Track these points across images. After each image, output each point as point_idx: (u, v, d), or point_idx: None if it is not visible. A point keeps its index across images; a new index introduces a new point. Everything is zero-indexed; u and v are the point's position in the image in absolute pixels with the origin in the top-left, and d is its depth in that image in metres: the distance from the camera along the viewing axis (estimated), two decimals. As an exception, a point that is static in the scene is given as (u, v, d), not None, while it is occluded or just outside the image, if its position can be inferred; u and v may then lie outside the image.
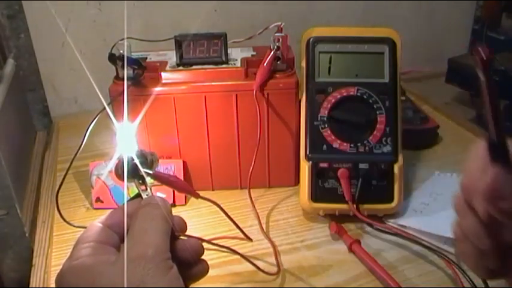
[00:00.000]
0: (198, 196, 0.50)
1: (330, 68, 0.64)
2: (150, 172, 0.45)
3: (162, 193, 0.44)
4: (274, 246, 0.59)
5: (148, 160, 0.45)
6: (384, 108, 0.62)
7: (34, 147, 0.85)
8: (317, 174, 0.61)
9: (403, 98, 0.84)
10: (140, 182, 0.44)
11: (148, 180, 0.44)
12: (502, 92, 0.91)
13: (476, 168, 0.32)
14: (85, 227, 0.41)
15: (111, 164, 0.44)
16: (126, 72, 0.62)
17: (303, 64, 0.65)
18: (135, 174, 0.44)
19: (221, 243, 0.54)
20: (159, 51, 0.70)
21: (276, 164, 0.69)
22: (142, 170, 0.44)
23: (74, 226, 0.62)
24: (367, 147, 0.61)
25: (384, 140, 0.61)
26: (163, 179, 0.47)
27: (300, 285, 0.54)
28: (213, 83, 0.64)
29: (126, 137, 0.44)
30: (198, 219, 0.64)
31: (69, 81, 0.94)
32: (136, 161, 0.43)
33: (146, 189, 0.44)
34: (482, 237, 0.34)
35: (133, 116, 0.58)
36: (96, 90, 0.55)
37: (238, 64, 0.65)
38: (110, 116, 0.52)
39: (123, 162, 0.43)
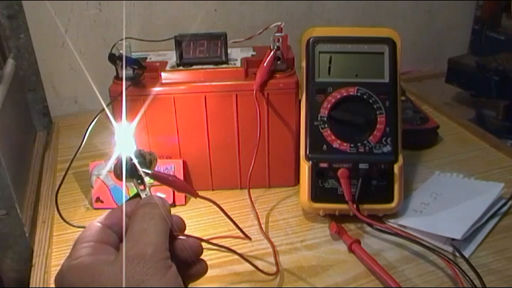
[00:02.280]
0: (196, 195, 0.50)
1: (330, 68, 0.64)
2: (149, 172, 0.45)
3: (162, 193, 0.44)
4: (273, 246, 0.59)
5: (146, 160, 0.45)
6: (384, 108, 0.62)
7: (34, 147, 0.85)
8: (317, 174, 0.61)
9: (403, 98, 0.84)
10: (139, 181, 0.44)
11: (148, 180, 0.44)
12: (502, 92, 0.91)
13: None
14: (85, 227, 0.41)
15: (110, 164, 0.44)
16: (125, 72, 0.62)
17: (303, 64, 0.65)
18: (133, 174, 0.44)
19: (220, 243, 0.54)
20: (159, 51, 0.70)
21: (276, 164, 0.69)
22: (141, 170, 0.44)
23: (74, 226, 0.62)
24: (367, 147, 0.61)
25: (383, 140, 0.61)
26: (161, 179, 0.47)
27: (300, 285, 0.54)
28: (213, 83, 0.64)
29: (124, 137, 0.44)
30: (198, 219, 0.64)
31: (69, 81, 0.94)
32: (135, 161, 0.43)
33: (145, 188, 0.44)
34: None
35: (133, 116, 0.59)
36: (95, 91, 0.55)
37: (238, 64, 0.65)
38: (108, 116, 0.52)
39: (121, 162, 0.43)
